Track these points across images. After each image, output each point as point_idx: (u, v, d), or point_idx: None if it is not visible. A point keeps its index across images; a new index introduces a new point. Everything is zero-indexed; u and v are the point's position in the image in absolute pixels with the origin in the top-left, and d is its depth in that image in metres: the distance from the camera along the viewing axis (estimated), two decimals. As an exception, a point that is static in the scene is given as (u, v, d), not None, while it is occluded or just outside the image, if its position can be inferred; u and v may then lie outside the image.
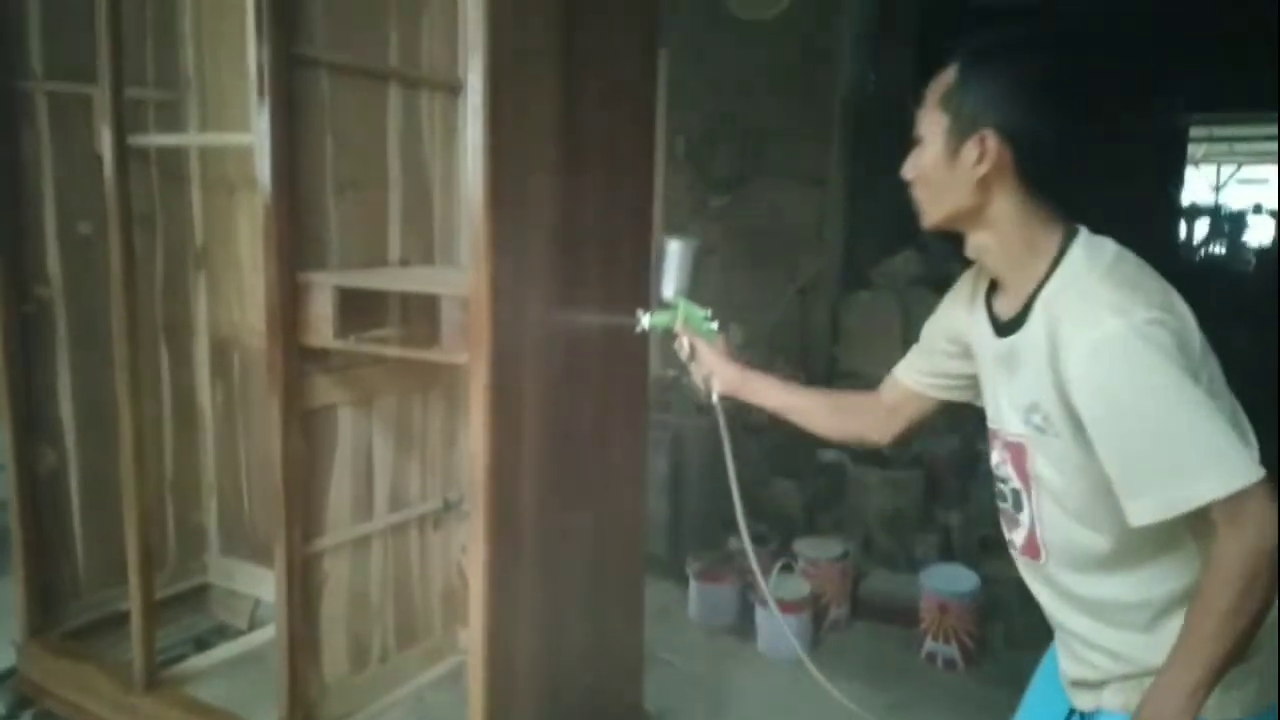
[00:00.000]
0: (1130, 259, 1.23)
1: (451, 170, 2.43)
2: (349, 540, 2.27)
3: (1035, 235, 1.27)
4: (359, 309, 1.98)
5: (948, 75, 1.30)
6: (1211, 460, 1.08)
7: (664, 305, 1.73)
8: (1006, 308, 1.32)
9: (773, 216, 5.33)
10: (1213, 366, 1.18)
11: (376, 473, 2.35)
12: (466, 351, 1.74)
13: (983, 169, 1.26)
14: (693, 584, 3.42)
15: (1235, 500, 1.07)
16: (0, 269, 2.50)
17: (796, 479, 4.13)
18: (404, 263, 2.31)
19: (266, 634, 2.66)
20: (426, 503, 2.50)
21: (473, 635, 1.80)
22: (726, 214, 5.48)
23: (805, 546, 3.42)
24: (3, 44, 2.49)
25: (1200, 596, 1.11)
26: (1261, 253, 10.12)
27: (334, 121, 2.09)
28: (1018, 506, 1.35)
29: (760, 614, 3.23)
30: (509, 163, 1.69)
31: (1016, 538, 1.37)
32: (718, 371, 1.68)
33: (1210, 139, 11.86)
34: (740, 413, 4.20)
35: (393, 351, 2.02)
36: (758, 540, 3.14)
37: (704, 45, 5.05)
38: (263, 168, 1.94)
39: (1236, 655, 1.10)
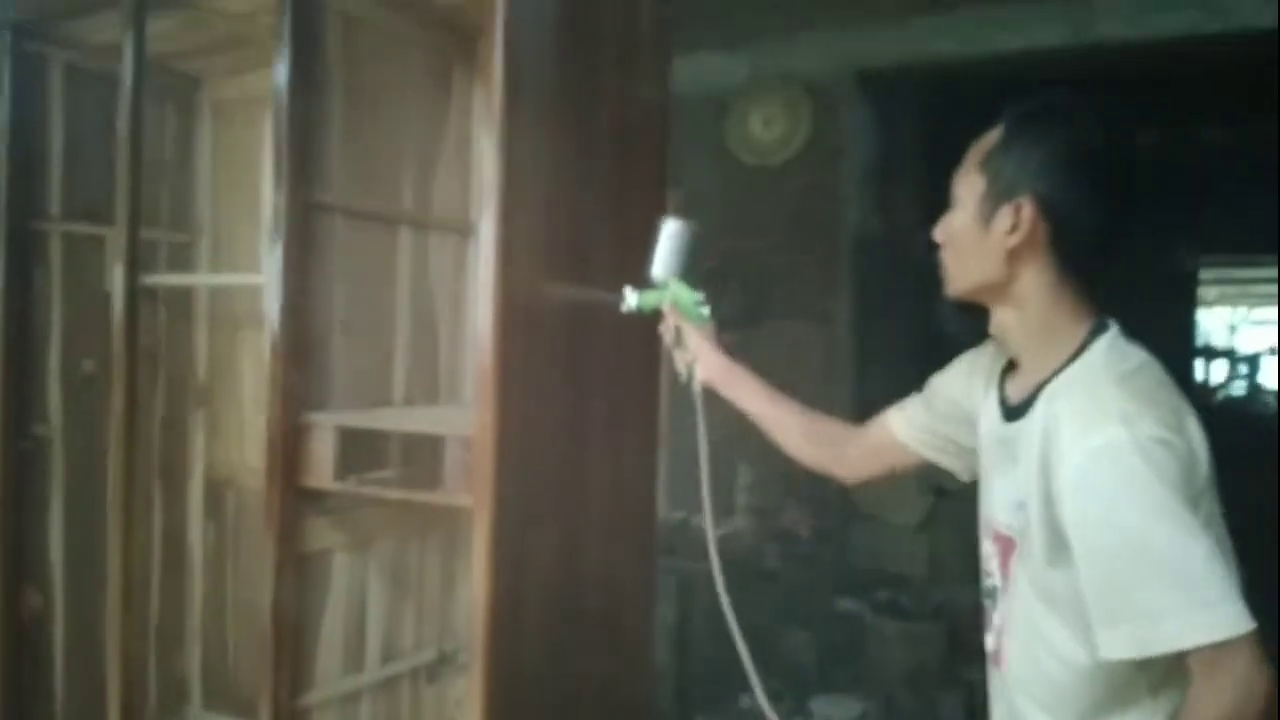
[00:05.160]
0: (1154, 372, 1.13)
1: (459, 310, 2.42)
2: (338, 695, 2.13)
3: (1060, 321, 1.17)
4: (360, 450, 1.92)
5: (991, 136, 1.21)
6: (1196, 603, 0.97)
7: (653, 286, 1.64)
8: (1017, 391, 1.22)
9: (782, 354, 5.32)
10: (1213, 505, 1.05)
11: (370, 621, 2.23)
12: (470, 493, 1.67)
13: (1014, 240, 1.16)
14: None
15: (1216, 651, 0.96)
16: (1, 406, 2.47)
17: (810, 629, 3.95)
18: (409, 402, 2.27)
19: (246, 797, 2.49)
20: (421, 654, 2.37)
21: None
22: (737, 352, 5.47)
23: (822, 705, 3.24)
24: (26, 184, 2.52)
25: None
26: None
27: (345, 263, 2.08)
28: (993, 605, 1.24)
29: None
30: (518, 302, 1.67)
31: (989, 641, 1.25)
32: (703, 359, 1.62)
33: (1221, 281, 11.97)
34: (752, 559, 4.07)
35: (394, 494, 1.95)
36: (771, 697, 2.97)
37: (713, 190, 5.17)
38: (272, 307, 1.93)
39: None
